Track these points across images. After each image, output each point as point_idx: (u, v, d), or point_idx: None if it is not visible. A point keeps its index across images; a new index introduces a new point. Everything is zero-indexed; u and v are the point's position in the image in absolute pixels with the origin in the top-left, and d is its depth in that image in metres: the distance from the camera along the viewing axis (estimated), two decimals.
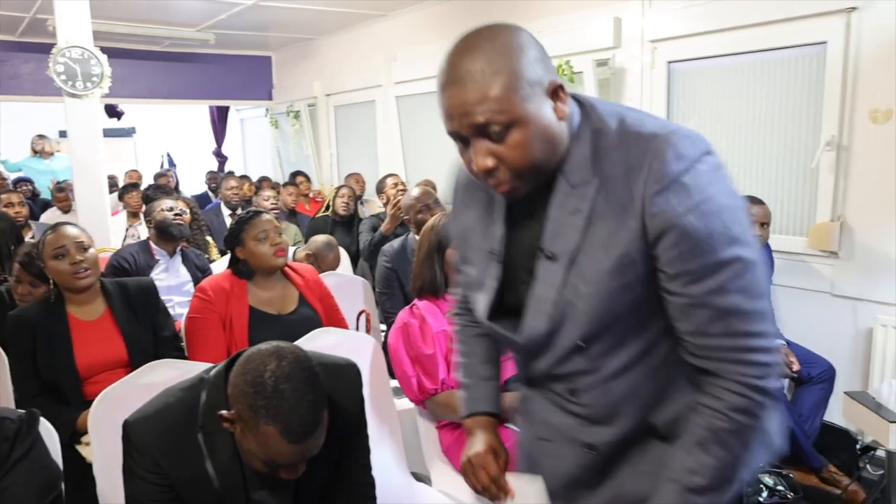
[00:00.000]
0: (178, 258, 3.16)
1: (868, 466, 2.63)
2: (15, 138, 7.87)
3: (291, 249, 2.91)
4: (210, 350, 2.15)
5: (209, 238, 4.18)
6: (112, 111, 7.82)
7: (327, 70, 6.34)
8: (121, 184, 6.71)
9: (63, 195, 5.76)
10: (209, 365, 1.41)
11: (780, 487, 2.53)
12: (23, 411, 1.34)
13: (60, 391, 2.07)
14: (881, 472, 2.37)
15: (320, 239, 3.19)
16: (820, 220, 2.91)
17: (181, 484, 1.26)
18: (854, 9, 2.68)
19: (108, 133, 6.94)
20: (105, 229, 3.92)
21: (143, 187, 5.60)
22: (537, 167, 0.96)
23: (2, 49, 5.77)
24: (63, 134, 7.37)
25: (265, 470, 1.21)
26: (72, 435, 1.99)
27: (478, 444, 1.23)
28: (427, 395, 1.98)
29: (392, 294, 2.85)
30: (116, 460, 1.30)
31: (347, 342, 2.11)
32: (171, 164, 9.50)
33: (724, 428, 0.96)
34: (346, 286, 3.06)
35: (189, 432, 1.26)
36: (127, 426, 1.27)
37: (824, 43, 2.80)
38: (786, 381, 2.74)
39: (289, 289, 2.34)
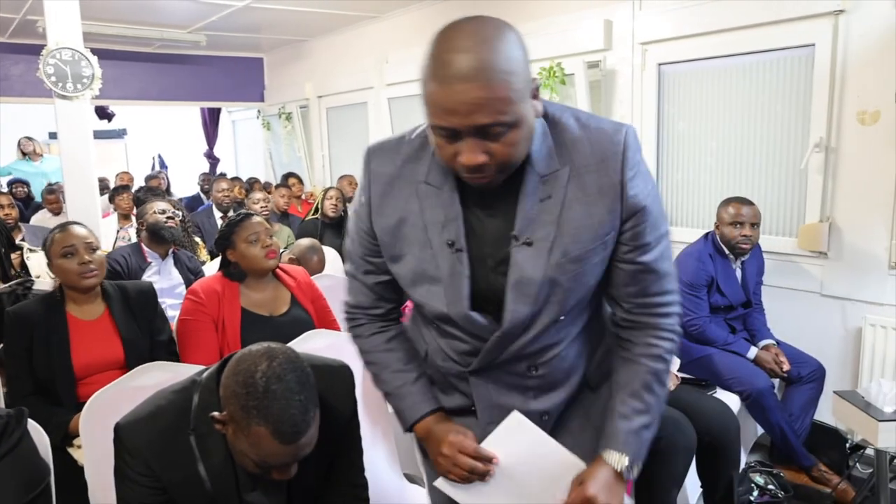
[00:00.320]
0: (170, 260, 3.15)
1: (857, 465, 2.65)
2: (1, 141, 7.81)
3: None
4: (202, 352, 2.15)
5: (198, 239, 4.16)
6: (103, 113, 7.78)
7: (319, 72, 6.33)
8: (112, 186, 6.68)
9: (54, 197, 5.73)
10: (200, 367, 1.41)
11: (770, 486, 2.55)
12: (10, 409, 1.34)
13: (54, 391, 2.06)
14: (870, 470, 2.39)
15: (304, 243, 3.18)
16: (809, 221, 2.93)
17: (173, 486, 1.26)
18: (841, 11, 2.71)
19: (99, 135, 6.92)
20: (96, 232, 3.89)
21: (134, 189, 5.58)
22: (519, 162, 1.03)
23: None
24: (53, 136, 7.33)
25: (257, 471, 1.21)
26: (64, 437, 1.98)
27: (441, 436, 1.18)
28: None
29: None
30: (108, 463, 1.30)
31: (340, 344, 2.11)
32: (163, 165, 9.46)
33: (662, 369, 1.16)
34: (339, 287, 3.05)
35: (181, 435, 1.26)
36: (118, 429, 1.27)
37: (812, 45, 2.82)
38: (776, 381, 2.76)
39: (281, 290, 2.34)
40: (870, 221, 2.75)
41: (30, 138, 7.40)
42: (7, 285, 2.60)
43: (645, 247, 1.09)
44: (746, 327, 2.92)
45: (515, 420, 1.16)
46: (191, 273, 3.17)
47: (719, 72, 3.21)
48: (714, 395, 2.56)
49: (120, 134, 10.02)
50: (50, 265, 2.17)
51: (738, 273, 2.86)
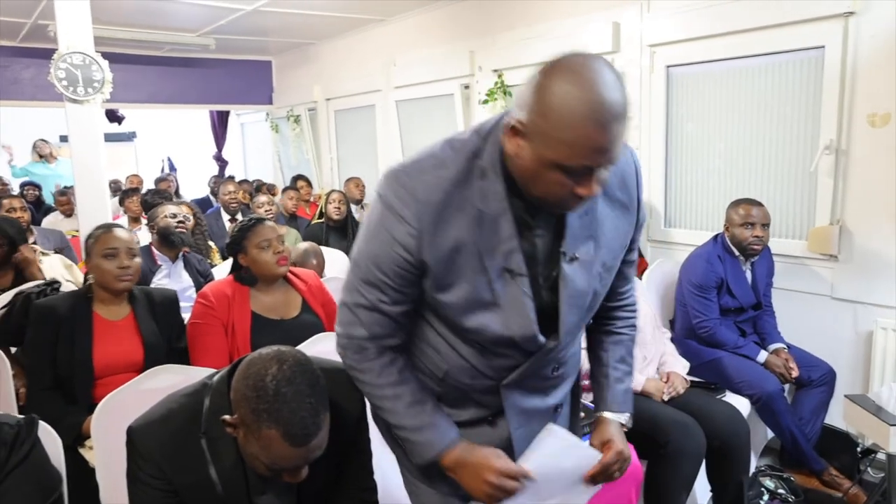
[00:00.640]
0: (180, 263, 3.17)
1: (869, 469, 2.64)
2: (17, 144, 7.88)
3: None
4: (212, 355, 2.16)
5: (211, 243, 4.18)
6: (113, 116, 7.83)
7: (327, 74, 6.35)
8: (123, 188, 6.72)
9: (65, 199, 5.78)
10: (210, 370, 1.42)
11: (781, 491, 2.53)
12: (21, 416, 1.34)
13: (72, 388, 2.09)
14: (882, 475, 2.37)
15: (301, 247, 3.18)
16: (819, 224, 2.91)
17: (184, 489, 1.27)
18: (852, 13, 2.69)
19: (109, 138, 6.95)
20: None
21: (141, 192, 5.61)
22: None
23: (3, 55, 5.78)
24: (64, 139, 7.38)
25: (268, 473, 1.21)
26: (76, 438, 2.01)
27: (482, 462, 1.19)
28: None
29: None
30: (119, 465, 1.31)
31: None
32: (172, 168, 9.52)
33: (635, 335, 1.41)
34: None
35: (192, 438, 1.27)
36: (131, 432, 1.28)
37: (822, 47, 2.81)
38: (786, 385, 2.74)
39: (291, 294, 2.35)
40: (880, 224, 2.73)
41: (45, 141, 7.46)
42: (34, 284, 2.63)
43: (635, 248, 1.29)
44: (757, 331, 2.91)
45: (550, 432, 1.21)
46: (201, 276, 3.19)
47: (728, 74, 3.20)
48: (724, 398, 2.54)
49: (130, 137, 10.09)
50: (87, 261, 2.21)
51: (748, 275, 2.85)
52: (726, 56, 3.16)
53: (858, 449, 2.74)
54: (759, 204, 2.78)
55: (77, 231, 4.36)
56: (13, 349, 2.56)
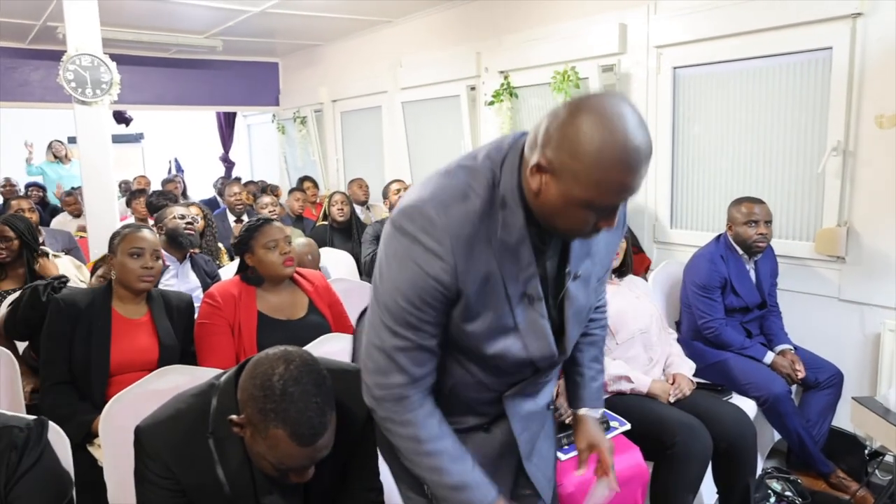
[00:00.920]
0: (187, 264, 3.18)
1: (877, 472, 2.62)
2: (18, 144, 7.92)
3: None
4: (218, 355, 2.17)
5: (220, 245, 4.20)
6: (120, 117, 7.88)
7: (334, 76, 6.37)
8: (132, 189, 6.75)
9: (72, 199, 5.81)
10: (217, 371, 1.43)
11: (787, 493, 2.52)
12: (32, 418, 1.35)
13: (86, 384, 2.10)
14: (890, 477, 2.36)
15: (300, 241, 3.17)
16: (826, 225, 2.90)
17: (192, 489, 1.28)
18: (859, 14, 2.69)
19: (117, 139, 6.96)
20: None
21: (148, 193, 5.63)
22: None
23: (12, 56, 5.82)
24: (72, 140, 7.43)
25: (275, 473, 1.22)
26: (85, 436, 2.02)
27: None
28: None
29: None
30: (127, 464, 1.32)
31: None
32: (179, 169, 9.55)
33: (605, 336, 1.52)
34: (354, 292, 3.07)
35: (200, 438, 1.27)
36: (139, 431, 1.28)
37: (830, 48, 2.80)
38: (793, 387, 2.73)
39: (298, 295, 2.36)
40: (888, 225, 2.72)
41: (61, 142, 7.51)
42: (45, 280, 2.65)
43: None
44: (763, 331, 2.90)
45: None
46: (208, 277, 3.20)
47: (735, 75, 3.19)
48: (730, 400, 2.54)
49: (137, 138, 10.14)
50: (111, 258, 2.24)
51: (752, 274, 2.85)
52: (733, 57, 3.16)
53: (866, 451, 2.73)
54: (761, 201, 2.78)
55: (85, 232, 4.39)
56: (20, 349, 2.58)
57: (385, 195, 4.51)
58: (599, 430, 1.43)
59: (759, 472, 2.55)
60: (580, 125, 0.97)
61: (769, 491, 2.53)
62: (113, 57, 3.89)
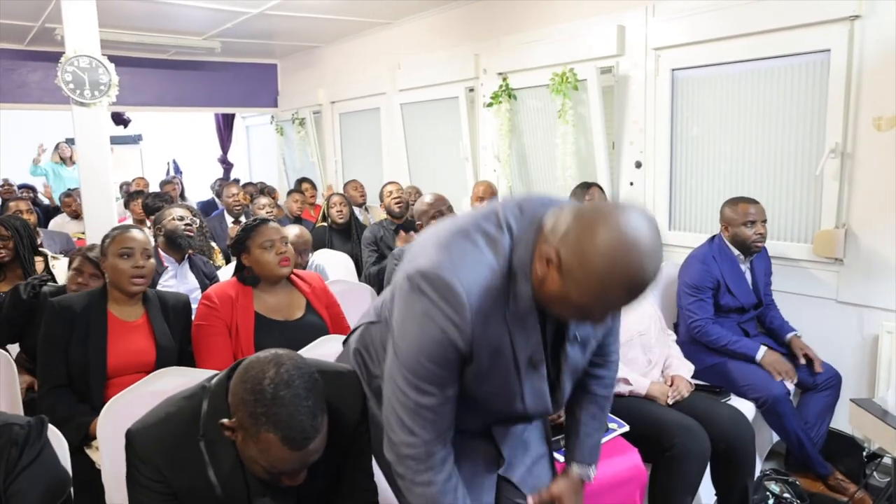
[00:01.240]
0: (185, 265, 3.18)
1: (875, 474, 2.62)
2: (21, 145, 7.92)
3: None
4: (216, 357, 2.16)
5: (213, 244, 4.19)
6: (119, 119, 7.88)
7: (332, 78, 6.37)
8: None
9: (71, 200, 5.81)
10: (214, 372, 1.42)
11: (786, 495, 2.52)
12: (31, 418, 1.35)
13: (84, 386, 2.10)
14: (888, 479, 2.36)
15: (292, 230, 3.17)
16: (825, 227, 2.91)
17: (184, 492, 1.27)
18: (857, 17, 2.69)
19: (115, 140, 6.98)
20: None
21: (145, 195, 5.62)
22: None
23: (10, 58, 5.81)
24: (70, 141, 7.43)
25: (267, 477, 1.22)
26: (83, 438, 2.01)
27: None
28: None
29: None
30: (124, 466, 1.31)
31: None
32: (177, 171, 9.55)
33: (611, 395, 1.53)
34: (352, 293, 3.07)
35: (191, 441, 1.27)
36: (129, 435, 1.28)
37: (828, 51, 2.81)
38: (792, 388, 2.73)
39: (295, 296, 2.35)
40: (886, 228, 2.72)
41: (68, 144, 7.51)
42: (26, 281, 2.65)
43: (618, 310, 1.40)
44: (765, 325, 2.90)
45: None
46: (206, 278, 3.19)
47: (733, 77, 3.20)
48: (728, 402, 2.54)
49: (135, 139, 10.14)
50: (102, 261, 2.22)
51: (748, 274, 2.85)
52: (731, 59, 3.16)
53: (864, 453, 2.73)
54: (755, 201, 2.79)
55: (83, 233, 4.38)
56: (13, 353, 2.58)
57: (381, 198, 4.50)
58: (576, 492, 1.47)
59: (757, 473, 2.55)
60: (597, 240, 1.00)
61: (767, 493, 2.53)
62: (111, 58, 3.89)
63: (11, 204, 4.46)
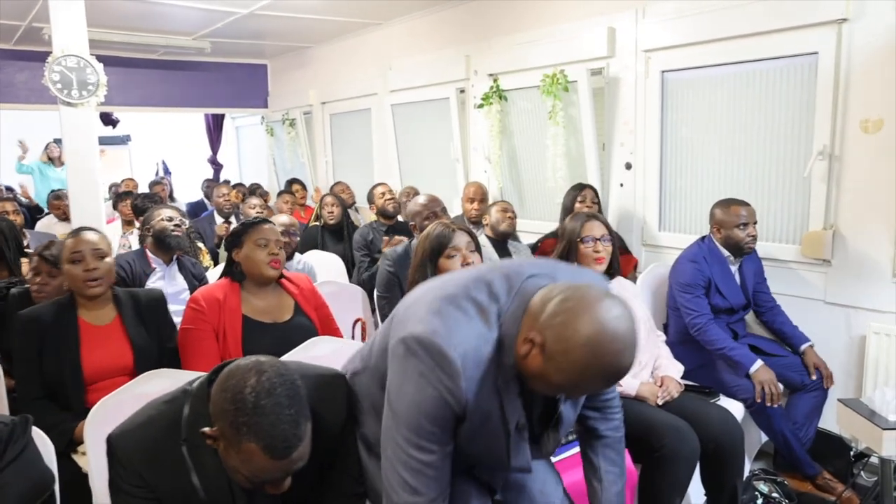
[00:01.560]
0: (174, 266, 3.15)
1: (862, 473, 2.64)
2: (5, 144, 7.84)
3: None
4: (203, 360, 2.15)
5: (201, 245, 4.17)
6: (107, 119, 7.82)
7: (323, 78, 6.36)
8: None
9: (59, 202, 5.75)
10: (199, 375, 1.41)
11: (775, 494, 2.53)
12: (15, 417, 1.35)
13: (63, 395, 2.07)
14: (875, 478, 2.37)
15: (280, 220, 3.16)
16: (813, 229, 2.93)
17: (167, 497, 1.26)
18: (845, 20, 2.71)
19: (104, 141, 6.96)
20: None
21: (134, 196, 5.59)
22: None
23: None
24: (57, 142, 7.37)
25: (249, 486, 1.20)
26: (69, 444, 1.99)
27: None
28: None
29: (392, 298, 2.84)
30: None
31: (343, 350, 2.12)
32: (167, 171, 9.49)
33: (622, 438, 1.59)
34: (342, 295, 3.07)
35: (173, 445, 1.25)
36: (111, 440, 1.26)
37: (816, 53, 2.83)
38: (781, 387, 2.74)
39: (284, 298, 2.34)
40: (873, 229, 2.74)
41: (57, 144, 7.44)
42: None
43: None
44: (774, 329, 2.90)
45: None
46: (195, 279, 3.17)
47: (723, 79, 3.21)
48: (718, 402, 2.55)
49: (124, 140, 10.07)
50: (60, 272, 2.20)
51: (737, 276, 2.86)
52: (721, 62, 3.18)
53: (852, 453, 2.75)
54: (747, 203, 2.80)
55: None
56: None
57: (370, 199, 4.50)
58: None
59: (746, 473, 2.56)
60: (581, 331, 1.09)
61: (756, 493, 2.54)
62: (100, 58, 3.86)
63: None
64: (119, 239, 4.74)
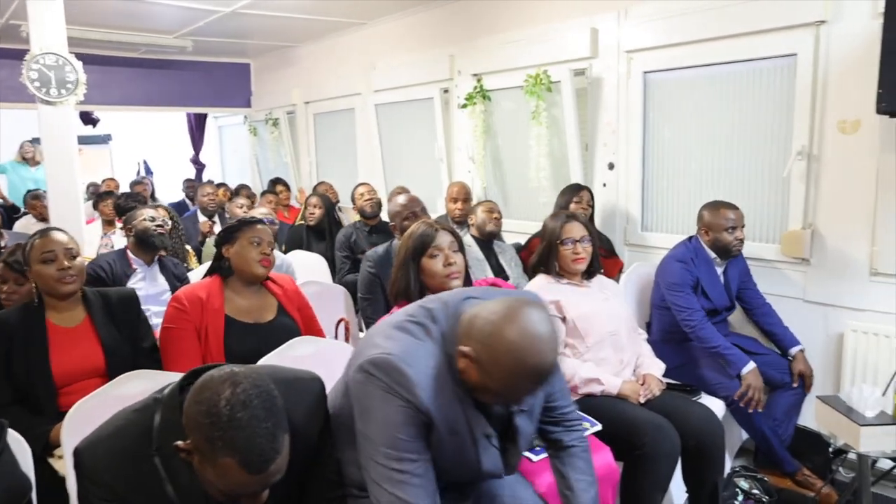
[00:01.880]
0: (155, 267, 3.12)
1: (840, 469, 2.68)
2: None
3: None
4: (185, 360, 2.13)
5: (188, 247, 4.14)
6: (87, 118, 7.72)
7: (306, 78, 6.32)
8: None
9: (38, 202, 5.68)
10: (172, 380, 1.38)
11: (755, 491, 2.56)
12: None
13: (35, 399, 2.03)
14: (853, 474, 2.41)
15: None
16: (792, 228, 2.96)
17: None
18: (823, 22, 2.75)
19: (84, 140, 6.85)
20: (80, 238, 3.84)
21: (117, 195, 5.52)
22: None
23: None
24: (35, 141, 7.27)
25: (224, 500, 1.16)
26: (45, 447, 1.96)
27: None
28: None
29: (374, 300, 2.84)
30: None
31: (325, 351, 2.11)
32: (148, 171, 9.40)
33: (588, 447, 1.68)
34: (325, 295, 3.05)
35: (145, 456, 1.21)
36: (78, 453, 1.22)
37: (794, 55, 2.86)
38: (765, 397, 2.75)
39: (267, 298, 2.33)
40: (851, 228, 2.78)
41: (32, 143, 7.33)
42: None
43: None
44: (765, 329, 2.91)
45: None
46: (177, 280, 3.14)
47: (704, 80, 3.24)
48: (699, 400, 2.57)
49: (105, 139, 9.95)
50: (29, 271, 2.15)
51: (722, 278, 2.88)
52: (702, 63, 3.21)
53: (830, 449, 2.78)
54: (735, 206, 2.81)
55: None
56: None
57: (353, 199, 4.48)
58: None
59: (727, 470, 2.58)
60: (504, 340, 1.22)
61: (737, 489, 2.57)
62: (79, 56, 3.81)
63: None
64: (100, 239, 4.68)
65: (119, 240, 4.09)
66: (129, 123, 9.56)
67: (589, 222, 3.41)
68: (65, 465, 1.69)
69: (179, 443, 1.14)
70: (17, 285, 2.36)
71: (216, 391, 1.10)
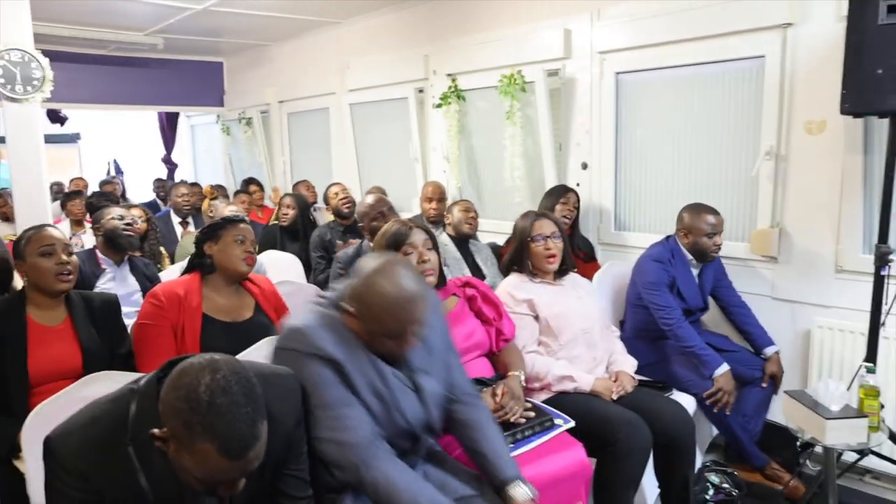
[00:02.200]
0: (125, 267, 3.07)
1: (808, 462, 2.73)
2: None
3: None
4: (158, 358, 2.06)
5: (162, 249, 4.08)
6: (55, 116, 7.55)
7: (280, 77, 6.27)
8: (66, 191, 6.49)
9: (2, 202, 5.54)
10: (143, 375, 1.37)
11: (725, 485, 2.60)
12: None
13: (6, 398, 1.99)
14: (819, 467, 2.46)
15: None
16: (760, 227, 3.02)
17: (113, 499, 1.21)
18: (790, 24, 2.81)
19: (51, 139, 6.69)
20: None
21: (87, 195, 5.43)
22: None
23: None
24: (1, 140, 7.10)
25: (201, 488, 1.15)
26: (11, 449, 1.91)
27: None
28: None
29: None
30: None
31: None
32: (119, 171, 9.23)
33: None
34: (300, 294, 3.02)
35: (119, 445, 1.20)
36: (49, 442, 1.20)
37: (763, 57, 2.92)
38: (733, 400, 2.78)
39: (245, 297, 2.32)
40: (817, 227, 2.85)
41: None
42: None
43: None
44: (741, 329, 2.93)
45: None
46: (148, 280, 3.09)
47: (675, 81, 3.29)
48: (670, 396, 2.60)
49: (73, 138, 9.75)
50: (22, 264, 2.11)
51: (697, 279, 2.92)
52: (673, 64, 3.26)
53: (798, 443, 2.83)
54: (716, 212, 2.83)
55: (15, 235, 4.19)
56: None
57: (326, 199, 4.46)
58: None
59: (698, 465, 2.62)
60: (373, 288, 1.51)
61: (708, 483, 2.61)
62: (47, 53, 3.74)
63: None
64: (72, 239, 4.59)
65: (90, 239, 4.01)
66: (99, 122, 9.39)
67: (573, 224, 3.45)
68: (25, 466, 1.65)
69: (156, 430, 1.13)
70: None
71: (196, 377, 1.10)
